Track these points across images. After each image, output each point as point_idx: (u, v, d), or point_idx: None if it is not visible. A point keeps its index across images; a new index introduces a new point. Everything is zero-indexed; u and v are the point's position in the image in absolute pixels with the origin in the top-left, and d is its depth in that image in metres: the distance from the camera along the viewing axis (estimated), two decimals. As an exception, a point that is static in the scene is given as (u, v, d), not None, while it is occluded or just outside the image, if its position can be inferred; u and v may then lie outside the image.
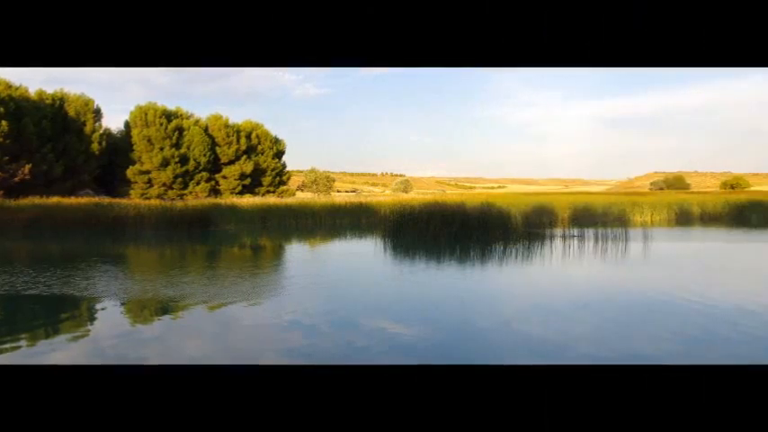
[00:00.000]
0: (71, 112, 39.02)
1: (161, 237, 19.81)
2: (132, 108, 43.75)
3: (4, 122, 32.31)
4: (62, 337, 6.39)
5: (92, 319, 7.43)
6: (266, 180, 49.58)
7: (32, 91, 37.70)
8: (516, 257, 13.08)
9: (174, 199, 36.12)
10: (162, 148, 42.03)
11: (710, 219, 26.78)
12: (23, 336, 6.44)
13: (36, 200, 25.14)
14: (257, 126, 50.36)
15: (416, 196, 40.22)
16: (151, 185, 42.35)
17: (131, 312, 7.85)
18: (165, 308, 7.86)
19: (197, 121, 46.20)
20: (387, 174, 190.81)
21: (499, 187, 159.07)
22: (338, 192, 71.19)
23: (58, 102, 38.60)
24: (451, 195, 39.92)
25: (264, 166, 49.37)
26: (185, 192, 43.15)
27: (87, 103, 40.08)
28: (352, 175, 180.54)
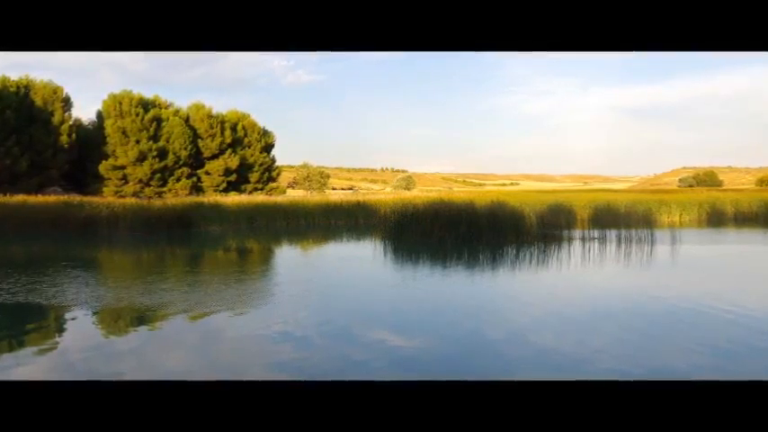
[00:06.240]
0: (38, 101, 39.02)
1: (137, 239, 19.82)
2: (105, 97, 43.73)
3: (-37, 112, 32.37)
4: (28, 350, 6.40)
5: (61, 330, 7.44)
6: (254, 176, 49.61)
7: (-5, 78, 37.74)
8: (530, 262, 13.10)
9: (151, 197, 36.15)
10: (138, 141, 42.05)
11: (745, 219, 26.80)
12: (-15, 348, 6.44)
13: (-1, 198, 25.12)
14: (244, 116, 50.38)
15: (420, 194, 40.28)
16: (126, 182, 42.37)
17: (105, 323, 7.86)
18: (141, 318, 7.86)
19: (177, 111, 46.21)
20: (387, 169, 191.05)
21: (512, 184, 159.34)
22: (333, 189, 71.25)
23: (22, 89, 38.61)
24: (459, 193, 40.00)
25: (252, 160, 49.39)
26: (164, 189, 43.17)
27: (56, 90, 40.10)
28: (348, 170, 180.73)
